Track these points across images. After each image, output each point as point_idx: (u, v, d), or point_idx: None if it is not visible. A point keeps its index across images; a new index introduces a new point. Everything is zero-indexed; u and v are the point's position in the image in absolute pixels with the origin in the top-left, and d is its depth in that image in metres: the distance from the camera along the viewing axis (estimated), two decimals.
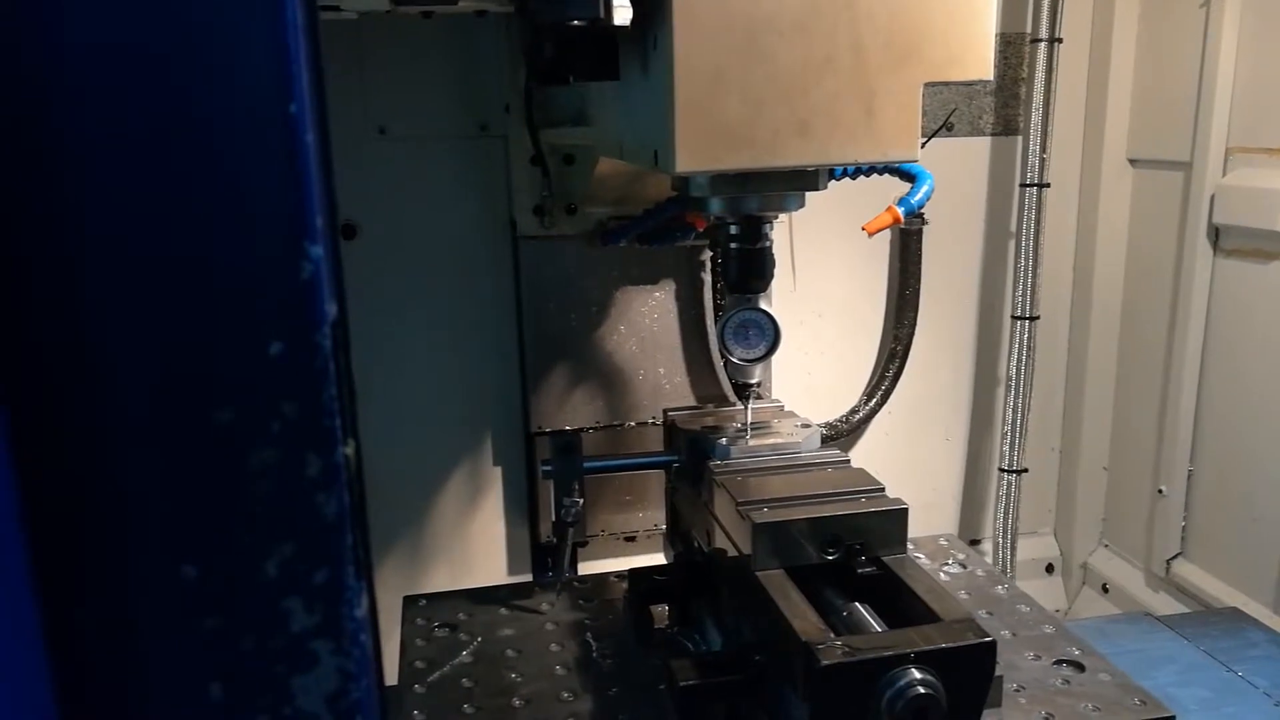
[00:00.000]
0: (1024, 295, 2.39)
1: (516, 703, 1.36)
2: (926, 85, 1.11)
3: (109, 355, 0.39)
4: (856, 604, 1.18)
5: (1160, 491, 2.39)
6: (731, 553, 1.30)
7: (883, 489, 1.29)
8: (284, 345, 0.41)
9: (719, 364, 2.10)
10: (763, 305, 1.40)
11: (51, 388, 0.39)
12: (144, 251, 0.39)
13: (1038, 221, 2.36)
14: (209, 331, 0.40)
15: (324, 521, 0.42)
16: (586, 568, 2.14)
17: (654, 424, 2.07)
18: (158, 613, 0.42)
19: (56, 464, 0.39)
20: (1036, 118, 2.31)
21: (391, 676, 1.48)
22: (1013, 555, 2.52)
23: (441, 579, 2.23)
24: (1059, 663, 1.38)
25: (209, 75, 0.37)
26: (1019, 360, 2.43)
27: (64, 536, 0.40)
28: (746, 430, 1.47)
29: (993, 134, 2.42)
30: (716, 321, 2.05)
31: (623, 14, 1.11)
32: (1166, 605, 2.37)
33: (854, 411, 2.43)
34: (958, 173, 2.41)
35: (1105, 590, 2.60)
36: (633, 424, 2.10)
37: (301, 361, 0.41)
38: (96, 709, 0.41)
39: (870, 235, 1.46)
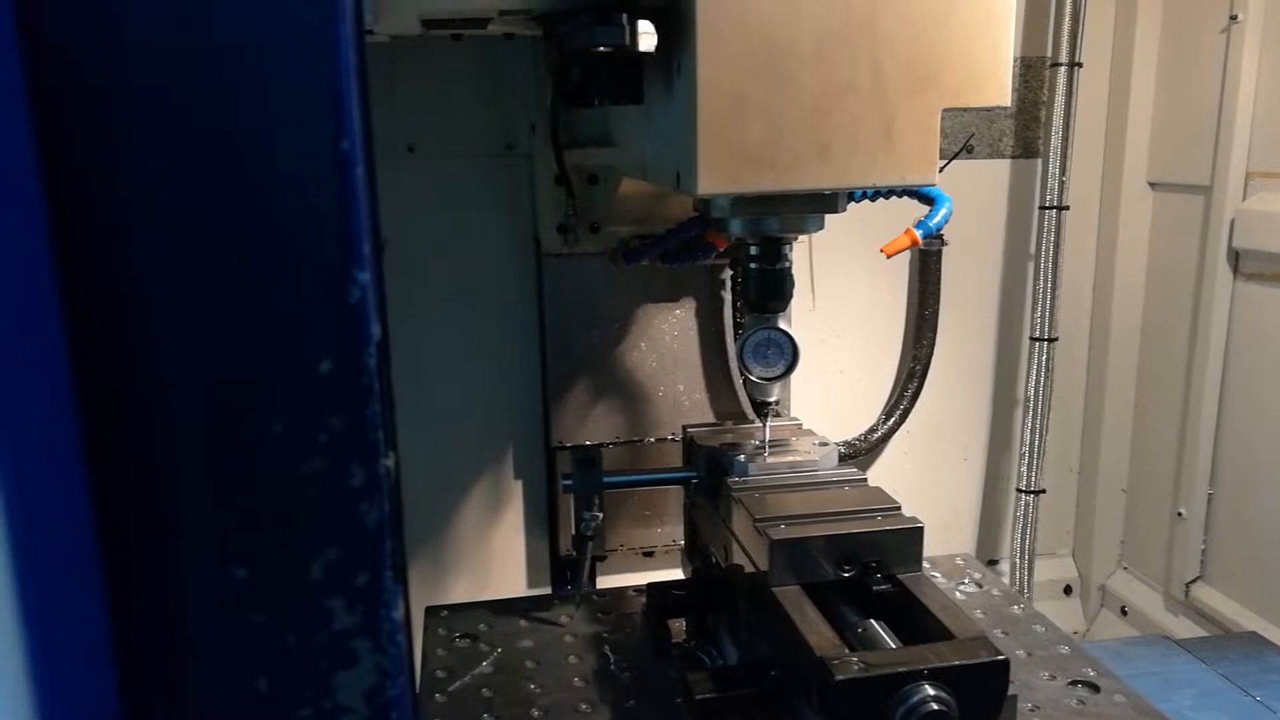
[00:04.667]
0: (1043, 316, 2.40)
1: (535, 713, 1.38)
2: (947, 109, 1.13)
3: (175, 372, 0.42)
4: (871, 620, 1.19)
5: (1179, 514, 2.38)
6: (749, 568, 1.31)
7: (899, 507, 1.31)
8: (333, 363, 0.43)
9: (738, 381, 2.12)
10: (782, 325, 1.42)
11: (122, 400, 0.42)
12: (208, 276, 0.42)
13: (1057, 244, 2.37)
14: (266, 350, 0.43)
15: (366, 528, 0.45)
16: (605, 582, 2.16)
17: (673, 440, 2.09)
18: (210, 609, 0.44)
19: (124, 472, 0.42)
20: (1056, 141, 2.33)
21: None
22: (1030, 576, 2.51)
23: (462, 590, 2.25)
24: (1074, 683, 1.39)
25: (270, 115, 0.40)
26: (1037, 381, 2.43)
27: (128, 538, 0.43)
28: (765, 448, 1.49)
29: (1013, 156, 2.44)
30: (736, 340, 2.07)
31: (647, 40, 1.14)
32: (1185, 629, 2.37)
33: (873, 430, 2.44)
34: (978, 195, 2.43)
35: (1124, 613, 2.59)
36: (652, 440, 2.12)
37: (349, 378, 0.44)
38: (152, 696, 0.43)
39: (889, 257, 1.48)
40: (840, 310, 2.39)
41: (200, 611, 0.44)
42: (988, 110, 2.30)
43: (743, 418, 2.05)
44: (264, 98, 0.40)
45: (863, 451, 2.44)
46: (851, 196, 1.37)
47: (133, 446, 0.42)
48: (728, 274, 2.10)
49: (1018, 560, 2.50)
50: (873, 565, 1.24)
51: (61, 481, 0.40)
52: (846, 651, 1.08)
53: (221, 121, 0.40)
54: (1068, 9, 2.28)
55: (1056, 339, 2.42)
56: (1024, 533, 2.49)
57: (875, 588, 1.24)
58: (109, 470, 0.42)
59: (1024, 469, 2.48)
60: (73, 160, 0.40)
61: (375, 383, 0.44)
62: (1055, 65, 2.31)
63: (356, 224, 0.42)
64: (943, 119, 1.12)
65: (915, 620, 1.18)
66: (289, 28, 0.39)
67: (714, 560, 1.50)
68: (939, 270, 2.37)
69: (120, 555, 0.42)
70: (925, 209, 1.48)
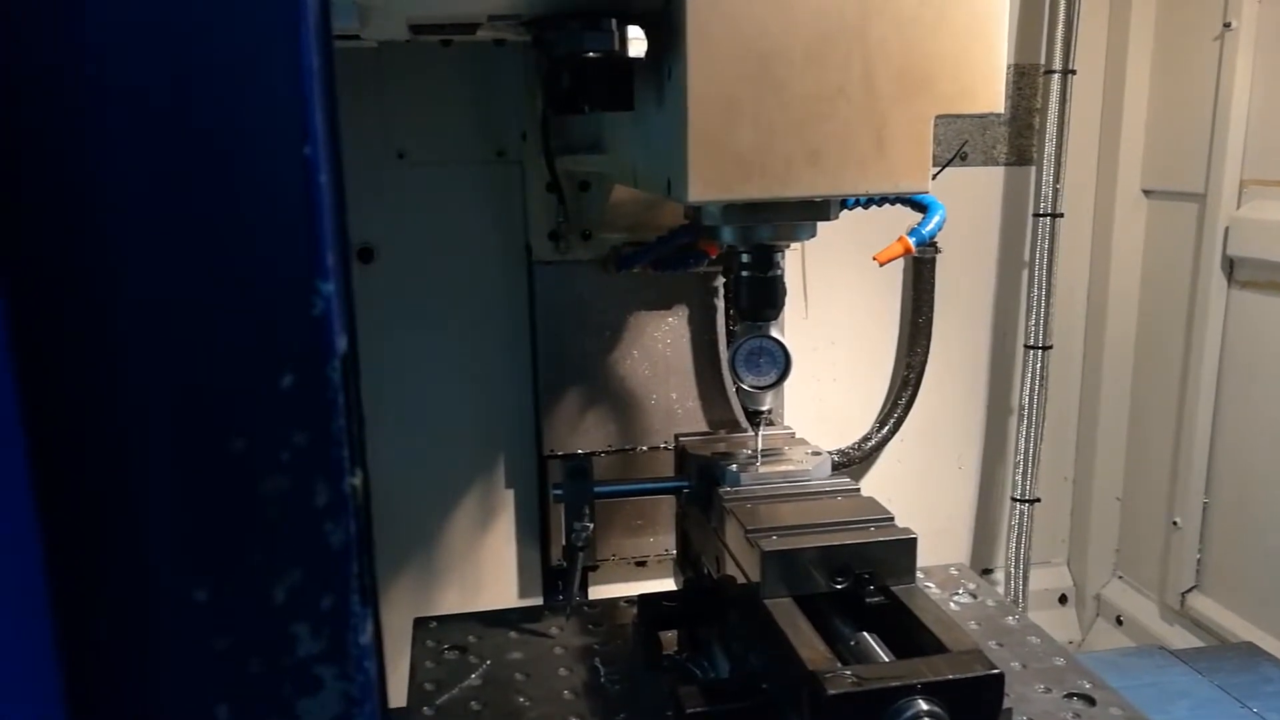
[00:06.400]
0: (1037, 324, 2.39)
1: None
2: (940, 115, 1.12)
3: (131, 387, 0.40)
4: (864, 633, 1.18)
5: (1175, 523, 2.37)
6: (740, 580, 1.30)
7: (892, 518, 1.29)
8: (295, 378, 0.42)
9: (732, 389, 2.10)
10: (774, 333, 1.41)
11: (74, 418, 0.40)
12: (165, 288, 0.40)
13: (1051, 251, 2.36)
14: (225, 364, 0.41)
15: (331, 549, 0.44)
16: (597, 592, 2.15)
17: (665, 449, 2.08)
18: (169, 634, 0.43)
19: (77, 490, 0.41)
20: (1050, 148, 2.32)
21: (401, 698, 1.48)
22: (1025, 585, 2.50)
23: (453, 601, 2.23)
24: (1070, 696, 1.37)
25: (230, 121, 0.39)
26: (1032, 389, 2.42)
27: (83, 560, 0.41)
28: (757, 457, 1.47)
29: (1006, 164, 2.43)
30: (728, 348, 2.06)
31: (637, 46, 1.13)
32: (1181, 639, 2.35)
33: (866, 439, 2.43)
34: (972, 202, 2.42)
35: (1119, 622, 2.57)
36: (644, 448, 2.11)
37: (312, 393, 0.42)
38: None
39: (881, 265, 1.47)
40: (833, 318, 2.38)
41: (160, 636, 0.42)
42: (981, 117, 2.29)
43: (736, 426, 2.04)
44: (221, 101, 0.39)
45: (856, 460, 2.42)
46: (844, 204, 1.36)
47: (86, 466, 0.40)
48: (721, 281, 2.09)
49: (1012, 569, 2.49)
50: (865, 577, 1.22)
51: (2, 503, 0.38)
52: (839, 665, 1.07)
53: (176, 125, 0.39)
54: (1061, 16, 2.28)
55: (1051, 347, 2.41)
56: (1019, 542, 2.48)
57: (868, 600, 1.23)
58: (61, 491, 0.40)
59: (1018, 477, 2.47)
60: (22, 165, 0.38)
61: (340, 398, 0.43)
62: (1049, 72, 2.31)
63: (320, 233, 0.41)
64: (936, 126, 1.11)
65: (908, 633, 1.17)
66: (248, 29, 0.38)
67: (706, 571, 1.49)
68: (932, 278, 2.36)
69: (74, 578, 0.41)
70: (918, 216, 1.47)
